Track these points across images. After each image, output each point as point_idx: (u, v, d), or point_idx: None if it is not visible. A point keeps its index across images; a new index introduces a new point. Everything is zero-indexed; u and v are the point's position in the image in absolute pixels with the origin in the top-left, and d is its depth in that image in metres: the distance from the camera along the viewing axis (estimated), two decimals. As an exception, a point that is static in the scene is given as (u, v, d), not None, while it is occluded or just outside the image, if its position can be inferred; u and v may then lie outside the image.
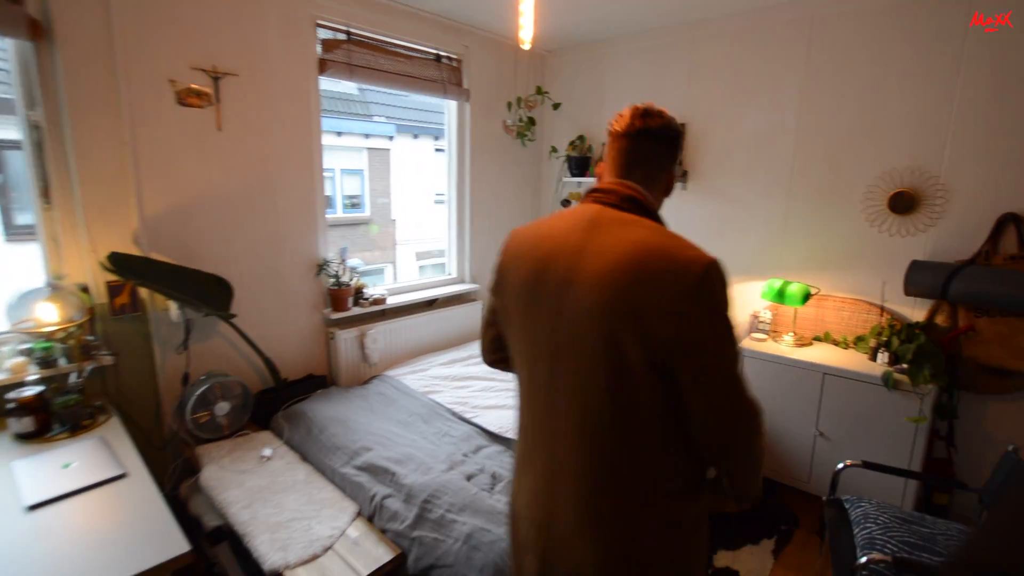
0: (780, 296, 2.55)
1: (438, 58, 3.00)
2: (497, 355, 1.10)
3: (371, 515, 1.70)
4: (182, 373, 2.20)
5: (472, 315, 3.41)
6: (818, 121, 2.57)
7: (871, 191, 2.44)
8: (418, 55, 2.91)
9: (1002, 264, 2.13)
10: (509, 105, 3.36)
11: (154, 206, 2.08)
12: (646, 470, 0.88)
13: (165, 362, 2.17)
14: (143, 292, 2.07)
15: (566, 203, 3.63)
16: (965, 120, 2.20)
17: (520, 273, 0.94)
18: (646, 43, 3.10)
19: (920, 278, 2.25)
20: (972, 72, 2.16)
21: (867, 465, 1.88)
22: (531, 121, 3.32)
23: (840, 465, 1.93)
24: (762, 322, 2.69)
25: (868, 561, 1.46)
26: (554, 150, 3.53)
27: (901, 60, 2.31)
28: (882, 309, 2.42)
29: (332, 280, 2.68)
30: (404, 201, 8.23)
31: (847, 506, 1.85)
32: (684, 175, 3.03)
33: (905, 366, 2.17)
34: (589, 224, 0.89)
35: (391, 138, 8.15)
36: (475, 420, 2.27)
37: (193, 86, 2.10)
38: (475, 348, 3.12)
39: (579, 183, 3.57)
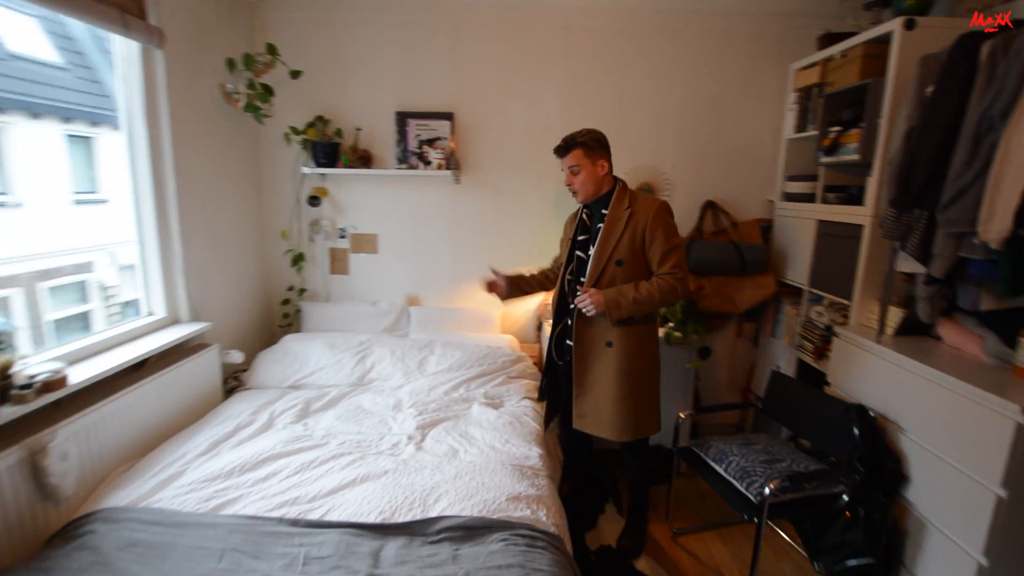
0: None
1: (103, -35, 1.81)
2: None
3: None
4: None
5: (208, 369, 2.31)
6: (579, 119, 2.83)
7: (622, 184, 2.89)
8: (68, -51, 1.67)
9: (710, 238, 2.89)
10: (231, 64, 2.35)
11: None
12: None
13: None
14: None
15: (314, 200, 2.87)
16: (679, 127, 2.85)
17: None
18: (401, 15, 2.72)
19: (667, 252, 2.82)
20: (682, 89, 2.80)
21: (700, 409, 2.26)
22: (267, 90, 2.42)
23: (681, 416, 2.26)
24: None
25: (774, 488, 1.74)
26: (295, 131, 2.71)
27: (637, 73, 2.79)
28: (647, 281, 2.93)
29: (-60, 367, 1.30)
30: (16, 202, 4.92)
31: (697, 449, 2.18)
32: (458, 167, 2.85)
33: (672, 324, 2.70)
34: None
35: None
36: (334, 517, 1.54)
37: None
38: (242, 413, 2.13)
39: (323, 175, 2.88)
